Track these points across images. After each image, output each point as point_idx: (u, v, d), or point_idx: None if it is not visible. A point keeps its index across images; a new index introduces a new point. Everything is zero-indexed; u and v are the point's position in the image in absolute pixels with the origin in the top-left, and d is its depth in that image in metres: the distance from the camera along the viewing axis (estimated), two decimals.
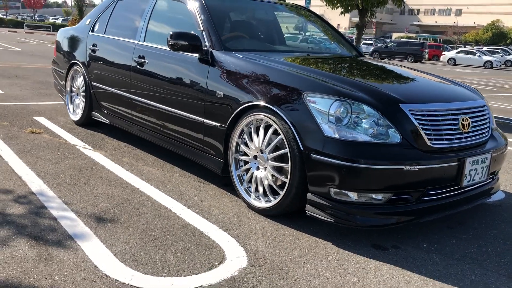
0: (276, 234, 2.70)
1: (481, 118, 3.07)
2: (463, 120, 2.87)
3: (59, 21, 54.19)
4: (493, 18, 63.31)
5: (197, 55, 3.39)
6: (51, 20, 53.91)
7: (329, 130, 2.59)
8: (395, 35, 61.14)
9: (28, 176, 3.34)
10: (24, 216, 2.69)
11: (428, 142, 2.67)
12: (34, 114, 5.41)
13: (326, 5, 9.04)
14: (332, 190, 2.58)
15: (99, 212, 2.83)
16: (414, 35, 61.38)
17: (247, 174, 3.07)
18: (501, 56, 35.96)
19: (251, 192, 3.04)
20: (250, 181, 3.06)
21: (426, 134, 2.67)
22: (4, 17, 52.90)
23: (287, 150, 2.74)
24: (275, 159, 2.85)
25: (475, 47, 41.66)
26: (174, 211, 2.93)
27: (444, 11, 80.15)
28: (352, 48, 4.40)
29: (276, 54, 3.65)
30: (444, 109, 2.83)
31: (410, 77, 3.43)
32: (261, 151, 2.94)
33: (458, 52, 34.63)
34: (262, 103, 2.88)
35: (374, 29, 62.89)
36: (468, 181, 2.83)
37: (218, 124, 3.19)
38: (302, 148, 2.65)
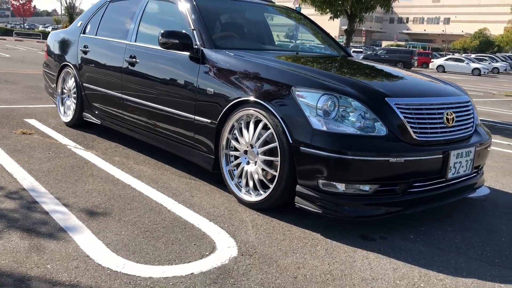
0: (266, 226, 2.75)
1: (465, 113, 3.16)
2: (447, 114, 2.95)
3: (49, 29, 54.02)
4: (480, 26, 64.28)
5: (188, 53, 3.44)
6: (41, 28, 53.75)
7: (317, 123, 2.65)
8: (384, 43, 61.82)
9: (19, 174, 3.36)
10: (15, 211, 2.71)
11: (414, 135, 2.74)
12: (24, 116, 5.42)
13: (315, 10, 9.16)
14: (321, 181, 2.64)
15: (90, 207, 2.86)
16: (403, 43, 62.07)
17: (237, 169, 3.12)
18: (489, 63, 36.46)
19: (241, 187, 3.09)
20: (240, 176, 3.10)
21: (411, 127, 2.74)
22: None
23: (276, 144, 2.79)
24: (265, 153, 2.91)
25: (463, 55, 42.20)
26: (165, 205, 2.96)
27: (432, 19, 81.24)
28: (341, 49, 4.48)
29: (266, 53, 3.72)
30: (429, 103, 2.91)
31: (397, 75, 3.51)
32: (251, 146, 2.99)
33: (446, 60, 35.08)
34: (252, 98, 2.93)
35: (364, 37, 63.48)
36: (453, 174, 2.90)
37: (209, 121, 3.24)
38: (291, 141, 2.70)
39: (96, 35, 4.71)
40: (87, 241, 2.39)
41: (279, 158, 2.78)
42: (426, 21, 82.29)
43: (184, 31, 3.46)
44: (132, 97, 3.98)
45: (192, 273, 2.14)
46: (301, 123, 2.69)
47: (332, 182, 2.63)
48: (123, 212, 2.80)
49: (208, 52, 3.37)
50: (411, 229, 2.87)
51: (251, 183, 3.02)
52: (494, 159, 5.06)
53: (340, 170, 2.59)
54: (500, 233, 2.92)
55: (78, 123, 4.92)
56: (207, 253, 2.35)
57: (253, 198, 2.98)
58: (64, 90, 5.17)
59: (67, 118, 5.05)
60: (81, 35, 4.89)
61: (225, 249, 2.41)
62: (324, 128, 2.63)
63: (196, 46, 3.42)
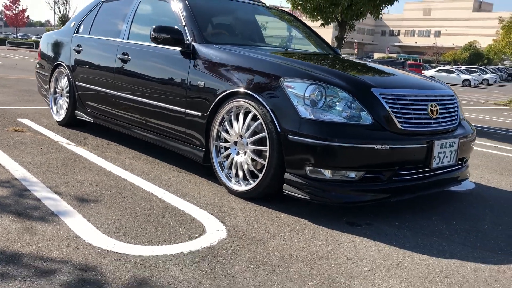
0: (255, 213, 2.80)
1: (449, 106, 3.25)
2: (431, 106, 3.04)
3: None
4: (470, 39, 65.21)
5: (179, 48, 3.51)
6: (34, 38, 53.69)
7: (305, 111, 2.73)
8: (376, 55, 62.40)
9: (11, 166, 3.39)
10: (7, 197, 2.75)
11: (399, 125, 2.82)
12: (17, 116, 5.45)
13: (306, 17, 9.31)
14: (308, 168, 2.71)
15: (82, 194, 2.90)
16: (395, 55, 62.71)
17: (227, 160, 3.17)
18: (479, 75, 36.95)
19: (231, 177, 3.14)
20: (230, 167, 3.16)
21: (396, 117, 2.82)
22: None
23: (265, 133, 2.86)
24: (254, 143, 2.97)
25: (454, 66, 42.73)
26: (156, 194, 3.01)
27: (423, 32, 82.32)
28: (330, 48, 4.58)
29: (255, 48, 3.80)
30: (413, 94, 3.00)
31: (383, 69, 3.60)
32: (241, 137, 3.06)
33: (437, 71, 35.47)
34: (241, 89, 3.00)
35: (356, 49, 64.04)
36: (437, 163, 2.98)
37: (200, 114, 3.30)
38: (279, 130, 2.77)
39: (89, 34, 4.78)
40: (78, 224, 2.43)
41: (268, 147, 2.84)
42: (417, 34, 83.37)
43: (176, 27, 3.53)
44: (125, 94, 4.04)
45: (181, 252, 2.19)
46: (289, 112, 2.77)
47: (319, 169, 2.70)
48: (114, 200, 2.85)
49: (199, 47, 3.44)
50: (396, 217, 2.94)
51: (240, 173, 3.07)
52: (480, 159, 5.17)
53: (327, 157, 2.66)
54: (484, 222, 3.00)
55: (70, 122, 4.96)
56: (196, 235, 2.40)
57: (242, 187, 3.04)
58: (57, 89, 5.21)
59: (60, 117, 5.09)
60: (74, 35, 4.95)
61: (215, 232, 2.46)
62: (312, 117, 2.71)
63: (188, 41, 3.49)
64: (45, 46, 5.53)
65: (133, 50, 4.01)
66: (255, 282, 1.97)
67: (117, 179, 3.29)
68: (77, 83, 4.73)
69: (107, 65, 4.27)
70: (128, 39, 4.18)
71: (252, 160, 3.00)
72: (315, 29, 4.86)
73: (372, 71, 3.54)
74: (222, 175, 3.19)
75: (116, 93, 4.15)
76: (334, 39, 9.87)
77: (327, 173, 2.70)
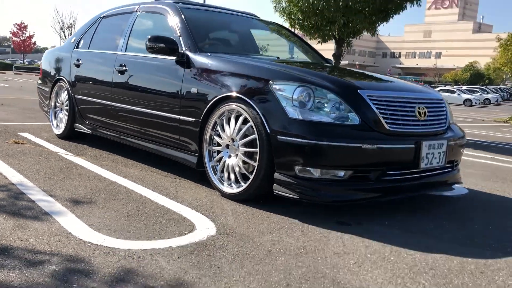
0: (246, 214, 2.84)
1: (438, 109, 3.30)
2: (419, 108, 3.10)
3: None
4: (471, 60, 65.67)
5: (174, 57, 3.61)
6: (40, 63, 54.51)
7: (293, 112, 2.79)
8: None
9: (8, 172, 3.45)
10: (2, 199, 2.80)
11: (386, 126, 2.88)
12: (18, 131, 5.53)
13: (304, 35, 9.47)
14: (297, 168, 2.75)
15: (76, 197, 2.95)
16: (396, 76, 63.09)
17: (220, 164, 3.23)
18: (480, 94, 37.06)
19: (223, 181, 3.19)
20: (222, 171, 3.21)
21: (383, 118, 2.88)
22: None
23: (255, 135, 2.92)
24: (245, 145, 3.03)
25: (455, 87, 42.92)
26: (149, 197, 3.06)
27: (424, 54, 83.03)
28: (322, 58, 4.68)
29: (248, 57, 3.89)
30: (400, 97, 3.06)
31: (372, 75, 3.68)
32: (233, 140, 3.12)
33: (438, 91, 35.63)
34: (232, 94, 3.08)
35: None
36: (426, 164, 3.02)
37: (193, 120, 3.37)
38: (269, 131, 2.83)
39: (88, 49, 4.90)
40: (70, 222, 2.48)
41: (258, 148, 2.90)
42: (418, 55, 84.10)
43: (170, 37, 3.64)
44: (121, 104, 4.13)
45: (170, 246, 2.22)
46: (278, 113, 2.83)
47: (308, 168, 2.74)
48: (107, 202, 2.89)
49: (192, 56, 3.53)
50: (387, 217, 2.96)
51: (232, 176, 3.12)
52: (475, 168, 5.19)
53: (315, 156, 2.71)
54: (474, 222, 3.02)
55: (70, 134, 5.04)
56: (186, 232, 2.44)
57: (234, 190, 3.08)
58: (57, 104, 5.32)
59: (59, 130, 5.18)
60: (74, 50, 5.08)
61: (204, 230, 2.50)
62: (300, 117, 2.77)
63: (182, 51, 3.59)
64: (47, 63, 5.66)
65: (130, 61, 4.12)
66: (241, 272, 2.00)
67: (111, 184, 3.34)
68: (76, 96, 4.83)
69: (105, 76, 4.37)
70: (125, 51, 4.29)
71: (244, 162, 3.05)
72: (315, 47, 4.98)
73: (361, 76, 3.61)
74: (214, 179, 3.23)
75: (113, 104, 4.24)
76: (332, 57, 10.01)
77: (316, 172, 2.75)
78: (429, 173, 3.14)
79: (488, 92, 40.15)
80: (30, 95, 11.98)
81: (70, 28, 47.20)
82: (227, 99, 3.13)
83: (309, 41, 6.32)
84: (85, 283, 1.80)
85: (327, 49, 10.43)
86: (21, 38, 62.26)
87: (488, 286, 2.03)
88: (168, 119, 3.59)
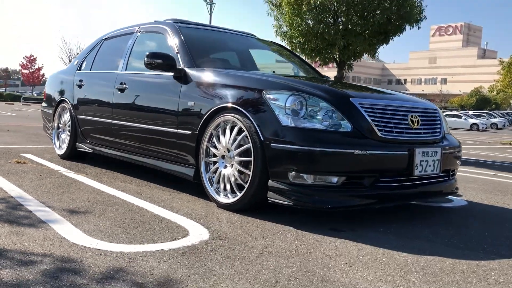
0: (240, 222, 2.85)
1: (432, 118, 3.34)
2: (412, 117, 3.13)
3: None
4: (476, 85, 65.85)
5: (171, 73, 3.70)
6: None
7: (286, 120, 2.84)
8: None
9: (9, 187, 3.51)
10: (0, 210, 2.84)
11: (379, 133, 2.91)
12: (21, 152, 5.62)
13: (306, 58, 9.61)
14: (291, 174, 2.78)
15: (73, 208, 2.98)
16: None
17: (216, 175, 3.26)
18: (487, 119, 37.00)
19: (220, 191, 3.22)
20: (219, 182, 3.24)
21: (376, 125, 2.92)
22: (3, 90, 54.56)
23: (250, 144, 2.96)
24: (240, 155, 3.07)
25: (461, 112, 42.93)
26: (145, 207, 3.08)
27: (430, 80, 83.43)
28: (318, 74, 4.75)
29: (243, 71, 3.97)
30: (393, 105, 3.10)
31: (367, 86, 3.73)
32: (228, 151, 3.16)
33: (445, 116, 35.65)
34: (229, 104, 3.14)
35: None
36: (420, 171, 3.03)
37: (190, 132, 3.43)
38: (262, 139, 2.87)
39: (90, 70, 5.03)
40: (66, 229, 2.50)
41: (252, 157, 2.94)
42: (424, 81, 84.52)
43: (168, 53, 3.74)
44: (121, 121, 4.20)
45: (162, 249, 2.24)
46: (272, 122, 2.88)
47: (301, 175, 2.77)
48: (104, 212, 2.92)
49: (189, 71, 3.62)
50: (382, 224, 2.96)
51: (228, 186, 3.15)
52: (477, 183, 5.18)
53: (308, 162, 2.74)
54: (470, 229, 3.00)
55: (72, 154, 5.11)
56: (179, 237, 2.45)
57: (230, 199, 3.10)
58: (59, 125, 5.41)
59: (62, 151, 5.25)
60: (77, 71, 5.21)
61: (197, 235, 2.51)
62: (292, 125, 2.82)
63: (180, 67, 3.68)
64: (50, 85, 5.80)
65: (129, 79, 4.21)
66: (231, 271, 2.00)
67: (109, 197, 3.37)
68: (78, 116, 4.93)
69: (106, 95, 4.46)
70: (126, 70, 4.40)
71: (240, 172, 3.08)
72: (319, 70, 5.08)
73: (354, 86, 3.68)
74: (211, 190, 3.26)
75: (114, 121, 4.32)
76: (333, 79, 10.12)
77: (310, 179, 2.77)
78: (424, 181, 3.15)
79: (495, 117, 40.08)
80: (35, 123, 12.16)
81: None
82: (223, 110, 3.19)
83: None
84: (75, 280, 1.82)
85: (328, 72, 10.55)
86: (30, 70, 63.52)
87: (479, 283, 2.02)
88: (166, 134, 3.65)
